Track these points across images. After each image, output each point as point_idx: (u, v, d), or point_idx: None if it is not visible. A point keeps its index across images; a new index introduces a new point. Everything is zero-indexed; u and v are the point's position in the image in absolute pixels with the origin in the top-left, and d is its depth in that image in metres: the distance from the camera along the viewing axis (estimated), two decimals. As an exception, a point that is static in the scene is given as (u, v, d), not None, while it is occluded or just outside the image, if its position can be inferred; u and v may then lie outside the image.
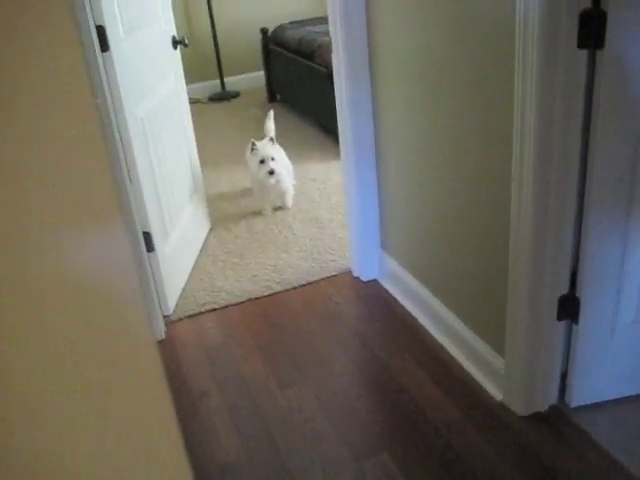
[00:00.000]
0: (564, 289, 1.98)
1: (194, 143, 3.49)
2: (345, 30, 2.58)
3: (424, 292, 2.65)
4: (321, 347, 2.65)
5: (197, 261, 3.33)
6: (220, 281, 3.14)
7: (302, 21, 5.69)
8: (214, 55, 6.12)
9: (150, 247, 2.74)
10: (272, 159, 3.63)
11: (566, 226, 1.88)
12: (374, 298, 2.94)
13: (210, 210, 3.72)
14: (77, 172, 0.75)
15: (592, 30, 1.63)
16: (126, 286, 0.86)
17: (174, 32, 3.20)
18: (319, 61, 4.65)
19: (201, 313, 2.94)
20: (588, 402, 2.15)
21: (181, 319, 2.92)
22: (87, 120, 0.78)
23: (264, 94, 5.90)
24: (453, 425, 2.18)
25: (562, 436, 2.08)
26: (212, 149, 4.75)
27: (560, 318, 2.01)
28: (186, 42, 3.22)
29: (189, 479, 1.04)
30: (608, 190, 1.82)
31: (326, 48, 4.45)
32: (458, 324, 2.44)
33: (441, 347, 2.56)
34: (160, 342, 2.77)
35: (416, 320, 2.73)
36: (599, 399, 2.15)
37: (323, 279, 3.10)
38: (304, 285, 3.07)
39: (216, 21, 6.00)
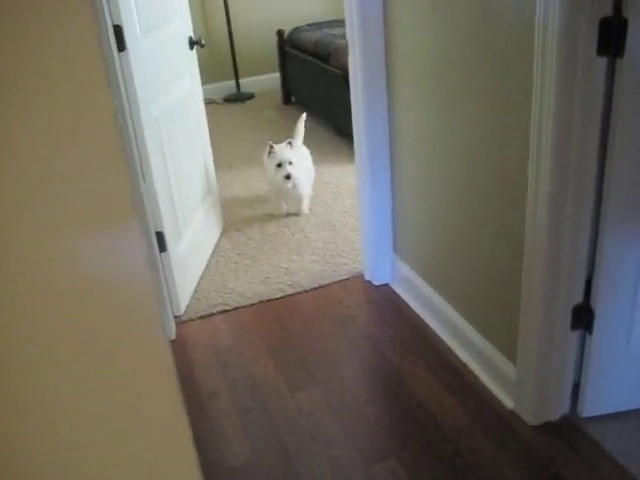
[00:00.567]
0: (578, 298, 1.96)
1: (209, 144, 3.49)
2: (362, 33, 2.57)
3: (436, 297, 2.64)
4: (332, 350, 2.65)
5: (209, 262, 3.34)
6: (232, 282, 3.14)
7: (319, 23, 5.68)
8: (230, 56, 6.13)
9: (163, 247, 2.74)
10: (290, 163, 3.61)
11: (582, 234, 1.86)
12: (385, 302, 2.93)
13: (223, 211, 3.72)
14: (94, 173, 0.74)
15: (612, 37, 1.61)
16: (141, 286, 0.85)
17: (191, 32, 3.21)
18: (335, 64, 4.65)
19: (212, 314, 2.94)
20: (600, 413, 2.13)
21: (192, 320, 2.92)
22: (105, 122, 0.78)
23: (279, 96, 5.90)
24: (463, 432, 2.17)
25: (573, 446, 2.06)
26: (226, 150, 4.75)
27: (574, 328, 1.99)
28: (202, 43, 3.22)
29: (199, 480, 1.04)
30: (625, 199, 1.80)
31: (342, 51, 4.45)
32: (470, 330, 2.43)
33: (452, 353, 2.54)
34: (171, 342, 2.77)
35: (427, 325, 2.72)
36: (612, 410, 2.13)
37: (335, 282, 3.09)
38: (316, 288, 3.06)
39: (232, 22, 6.01)
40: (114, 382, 0.75)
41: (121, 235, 0.82)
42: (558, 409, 2.14)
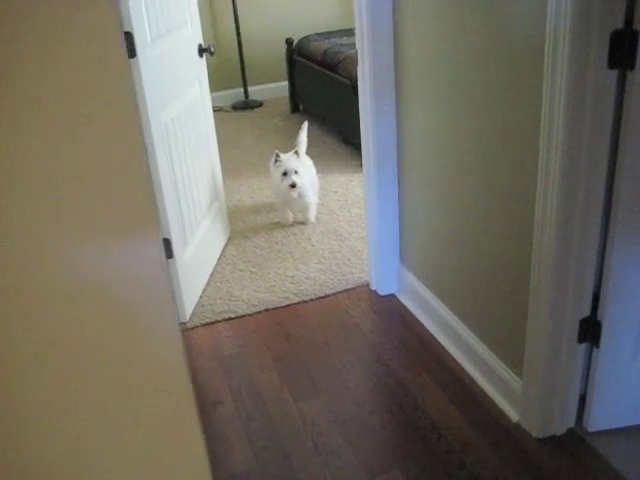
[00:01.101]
0: (586, 312, 1.95)
1: (216, 151, 3.50)
2: (372, 43, 2.58)
3: (442, 308, 2.63)
4: (336, 360, 2.64)
5: (215, 269, 3.33)
6: (237, 290, 3.14)
7: (327, 33, 5.70)
8: (239, 64, 6.15)
9: (169, 254, 2.74)
10: (295, 172, 3.61)
11: (590, 247, 1.85)
12: (391, 312, 2.92)
13: (230, 219, 3.72)
14: (117, 182, 0.75)
15: (623, 50, 1.61)
16: (160, 292, 0.85)
17: (200, 40, 3.22)
18: (343, 73, 4.66)
19: (217, 321, 2.94)
20: (607, 427, 2.11)
21: (197, 327, 2.91)
22: (130, 131, 0.78)
23: (287, 105, 5.92)
24: (467, 444, 2.16)
25: (579, 460, 2.04)
26: (233, 158, 4.76)
27: (581, 341, 1.98)
28: (212, 50, 3.23)
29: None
30: (635, 212, 1.79)
31: (351, 60, 4.46)
32: (476, 342, 2.42)
33: (458, 364, 2.53)
34: (175, 349, 2.76)
35: (433, 336, 2.71)
36: (618, 425, 2.11)
37: (340, 292, 3.09)
38: (321, 297, 3.05)
39: (242, 30, 6.03)
40: (130, 390, 0.75)
41: (142, 241, 0.82)
42: (564, 423, 2.13)
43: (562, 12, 1.61)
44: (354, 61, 2.77)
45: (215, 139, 3.48)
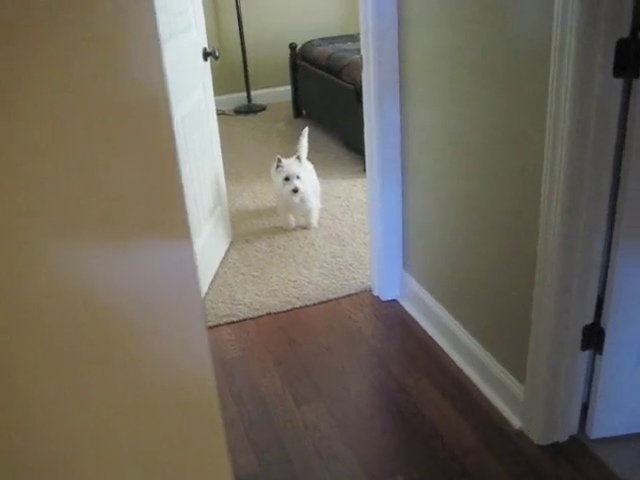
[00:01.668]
0: (589, 318, 1.95)
1: (220, 155, 3.50)
2: (377, 48, 2.58)
3: (444, 314, 2.63)
4: (338, 365, 2.64)
5: (217, 273, 3.34)
6: (240, 294, 3.14)
7: (331, 38, 5.71)
8: (242, 68, 6.16)
9: (172, 257, 2.74)
10: (297, 177, 3.62)
11: (594, 253, 1.85)
12: (393, 318, 2.92)
13: (232, 223, 3.72)
14: (149, 185, 0.75)
15: (629, 59, 1.61)
16: (188, 299, 0.85)
17: (205, 44, 3.22)
18: (347, 78, 4.66)
19: (219, 325, 2.94)
20: (609, 435, 2.11)
21: (199, 330, 2.91)
22: (163, 136, 0.78)
23: (290, 109, 5.92)
24: (469, 451, 2.15)
25: (581, 468, 2.04)
26: (236, 162, 4.76)
27: (584, 348, 1.98)
28: (217, 54, 3.24)
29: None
30: (639, 220, 1.80)
31: (355, 65, 4.46)
32: (478, 348, 2.42)
33: (460, 370, 2.53)
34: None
35: (435, 342, 2.71)
36: (621, 432, 2.11)
37: (343, 297, 3.09)
38: (324, 302, 3.05)
39: (245, 34, 6.04)
40: (157, 398, 0.75)
41: (174, 250, 0.81)
42: (566, 430, 2.13)
43: (568, 20, 1.61)
44: (358, 66, 2.78)
45: (218, 143, 3.48)
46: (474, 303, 2.42)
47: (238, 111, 6.20)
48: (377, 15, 2.53)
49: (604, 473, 2.01)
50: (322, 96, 5.24)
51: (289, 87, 5.90)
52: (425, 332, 2.78)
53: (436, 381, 2.49)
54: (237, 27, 6.01)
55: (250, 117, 6.08)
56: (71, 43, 0.58)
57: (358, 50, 2.75)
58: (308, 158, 3.91)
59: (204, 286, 3.17)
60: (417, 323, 2.84)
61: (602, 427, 2.10)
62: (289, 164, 3.65)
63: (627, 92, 1.67)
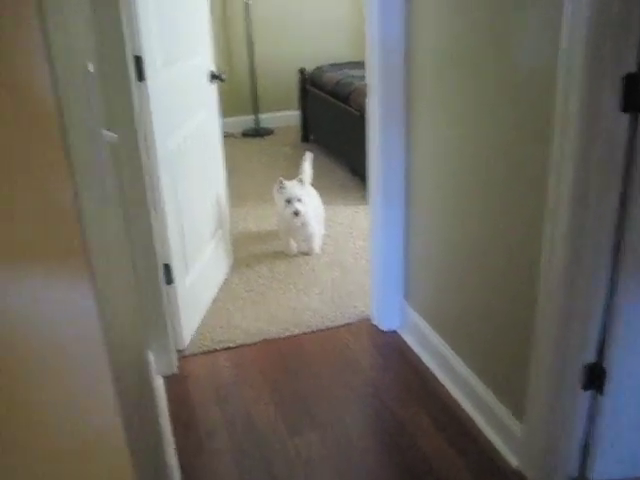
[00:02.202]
0: (591, 357, 1.90)
1: (223, 178, 3.48)
2: (382, 75, 2.56)
3: (444, 347, 2.58)
4: (334, 395, 2.58)
5: (216, 297, 3.29)
6: (238, 319, 3.09)
7: (340, 64, 5.72)
8: (251, 91, 6.17)
9: (169, 279, 2.70)
10: (299, 200, 3.59)
11: (597, 291, 1.81)
12: (392, 349, 2.87)
13: (234, 246, 3.69)
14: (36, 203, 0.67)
15: (637, 94, 1.58)
16: (85, 345, 0.75)
17: (212, 66, 3.21)
18: (353, 104, 4.66)
19: (216, 350, 2.89)
20: (610, 477, 2.05)
21: (195, 354, 2.87)
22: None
23: (298, 133, 5.92)
24: (465, 489, 2.10)
25: (579, 511, 1.98)
26: (240, 185, 4.74)
27: (585, 387, 1.93)
28: (223, 77, 3.23)
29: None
30: (643, 258, 1.75)
31: (361, 92, 4.45)
32: (477, 382, 2.37)
33: (458, 405, 2.48)
34: (172, 377, 2.72)
35: (433, 374, 2.65)
36: (623, 476, 2.05)
37: (342, 325, 3.04)
38: (322, 330, 3.01)
39: (256, 57, 6.06)
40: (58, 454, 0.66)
41: (63, 279, 0.70)
42: (565, 471, 2.06)
43: (574, 54, 1.59)
44: (364, 93, 2.75)
45: (223, 166, 3.46)
46: (474, 337, 2.37)
47: (246, 134, 6.20)
48: (383, 43, 2.51)
49: (603, 518, 1.95)
50: (329, 121, 5.23)
51: (297, 111, 5.91)
52: (423, 364, 2.73)
53: (432, 414, 2.44)
54: (247, 51, 6.03)
55: (257, 140, 6.08)
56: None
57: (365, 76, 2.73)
58: (312, 184, 3.88)
59: (202, 310, 3.13)
60: (415, 354, 2.79)
61: (603, 470, 2.04)
62: (291, 186, 3.62)
63: (634, 127, 1.64)
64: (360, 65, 5.39)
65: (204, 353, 2.88)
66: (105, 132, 0.96)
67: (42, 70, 0.66)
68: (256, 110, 6.24)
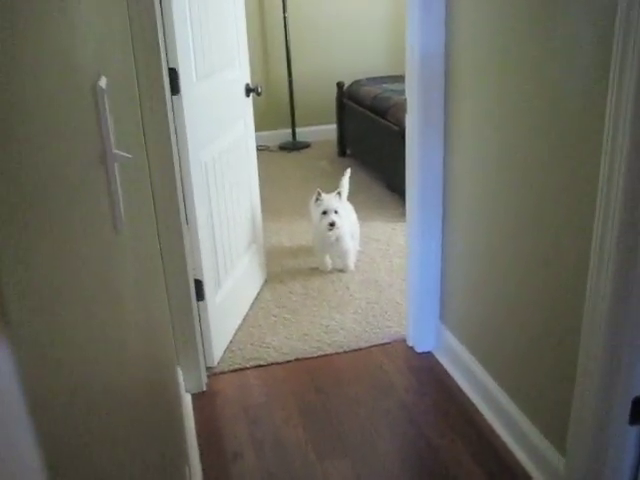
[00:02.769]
0: (639, 391, 1.79)
1: (257, 192, 3.43)
2: (422, 90, 2.50)
3: (481, 372, 2.48)
4: (366, 418, 2.50)
5: (248, 313, 3.24)
6: (269, 337, 3.03)
7: (379, 78, 5.66)
8: (288, 104, 6.14)
9: (200, 296, 2.66)
10: (335, 212, 3.52)
11: (646, 322, 1.71)
12: (427, 371, 2.78)
13: (267, 261, 3.63)
14: None
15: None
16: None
17: (248, 80, 3.18)
18: (392, 119, 4.59)
19: (246, 368, 2.84)
20: (657, 518, 1.93)
21: (225, 372, 2.81)
22: None
23: (335, 148, 5.86)
24: (502, 525, 2.00)
25: None
26: (275, 199, 4.69)
27: (633, 422, 1.82)
28: (259, 91, 3.18)
29: None
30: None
31: (400, 107, 4.38)
32: (516, 412, 2.26)
33: (494, 433, 2.37)
34: (201, 394, 2.67)
35: (470, 400, 2.55)
36: (670, 517, 1.93)
37: (376, 345, 2.96)
38: (355, 350, 2.93)
39: (293, 71, 6.04)
40: None
41: None
42: (609, 509, 1.95)
43: (626, 73, 1.50)
44: (403, 107, 2.69)
45: (257, 179, 3.41)
46: (514, 364, 2.27)
47: (282, 147, 6.17)
48: (423, 56, 2.45)
49: None
50: (367, 136, 5.17)
51: (334, 125, 5.86)
52: (460, 389, 2.63)
53: (469, 443, 2.34)
54: (285, 64, 6.01)
55: (294, 154, 6.04)
56: None
57: (405, 91, 2.66)
58: (349, 199, 3.81)
59: (233, 326, 3.08)
60: (452, 378, 2.70)
61: (649, 509, 1.92)
62: (329, 198, 3.55)
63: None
64: (398, 79, 5.34)
65: (234, 371, 2.82)
66: (117, 152, 0.91)
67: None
68: (293, 124, 6.21)
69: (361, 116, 5.25)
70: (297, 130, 6.24)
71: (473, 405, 2.53)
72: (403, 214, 3.02)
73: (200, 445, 2.38)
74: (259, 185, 3.45)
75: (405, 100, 2.65)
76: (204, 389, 2.69)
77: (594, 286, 1.73)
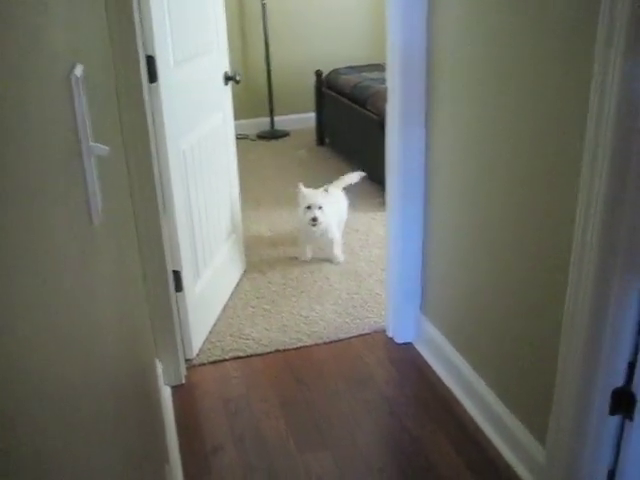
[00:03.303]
0: (619, 382, 1.79)
1: (237, 181, 3.39)
2: (403, 79, 2.47)
3: (462, 363, 2.48)
4: (347, 411, 2.49)
5: (227, 304, 3.21)
6: (248, 328, 3.01)
7: (358, 67, 5.63)
8: (266, 93, 6.09)
9: (179, 287, 2.62)
10: (319, 208, 3.50)
11: (627, 313, 1.70)
12: (407, 362, 2.77)
13: (246, 252, 3.59)
14: None
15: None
16: None
17: (227, 67, 3.13)
18: (372, 108, 4.56)
19: (225, 360, 2.81)
20: (636, 508, 1.94)
21: (204, 364, 2.78)
22: None
23: (313, 137, 5.83)
24: (483, 515, 2.00)
25: (604, 543, 1.87)
26: (254, 188, 4.65)
27: (613, 412, 1.82)
28: (238, 78, 3.14)
29: None
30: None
31: (380, 95, 4.36)
32: (496, 403, 2.27)
33: (475, 424, 2.37)
34: (180, 387, 2.64)
35: (450, 391, 2.55)
36: (649, 506, 1.94)
37: (356, 336, 2.95)
38: (335, 341, 2.91)
39: (272, 59, 5.98)
40: None
41: None
42: (589, 499, 1.96)
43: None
44: (383, 97, 2.67)
45: (236, 168, 3.37)
46: (494, 354, 2.27)
47: (261, 136, 6.12)
48: (404, 45, 2.42)
49: None
50: (346, 125, 5.14)
51: (313, 114, 5.82)
52: (440, 380, 2.62)
53: (450, 434, 2.34)
54: (264, 52, 5.95)
55: (272, 143, 6.00)
56: None
57: (385, 80, 2.64)
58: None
59: (212, 318, 3.04)
60: (432, 370, 2.69)
61: (629, 499, 1.93)
62: (314, 194, 3.52)
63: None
64: (378, 67, 5.32)
65: (213, 363, 2.79)
66: (94, 145, 0.87)
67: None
68: (272, 112, 6.16)
69: (340, 105, 5.21)
70: (276, 119, 6.19)
71: (453, 396, 2.53)
72: (383, 204, 3.01)
73: (180, 438, 2.36)
74: (238, 174, 3.41)
75: (385, 89, 2.63)
76: (183, 381, 2.67)
77: (576, 277, 1.73)
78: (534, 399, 2.06)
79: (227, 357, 2.82)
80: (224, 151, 3.17)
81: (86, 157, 0.85)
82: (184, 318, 2.70)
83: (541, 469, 2.02)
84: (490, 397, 2.30)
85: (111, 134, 1.55)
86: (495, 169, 2.12)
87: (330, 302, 3.21)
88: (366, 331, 2.97)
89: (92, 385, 0.91)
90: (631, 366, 1.78)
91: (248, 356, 2.83)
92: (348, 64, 5.75)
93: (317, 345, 2.89)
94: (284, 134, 6.13)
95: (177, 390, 2.62)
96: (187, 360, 2.76)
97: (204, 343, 2.89)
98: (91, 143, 0.85)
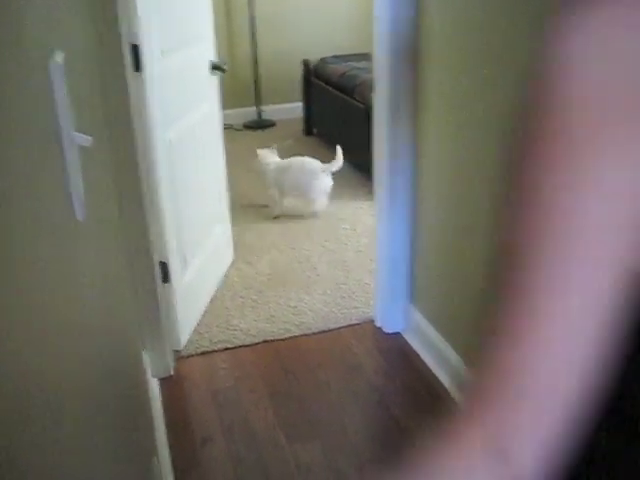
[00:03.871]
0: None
1: (224, 171, 3.37)
2: (390, 68, 2.46)
3: (451, 353, 2.48)
4: (336, 401, 2.49)
5: (215, 295, 3.19)
6: (236, 319, 2.99)
7: (345, 56, 5.59)
8: (253, 82, 6.05)
9: (166, 278, 2.60)
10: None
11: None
12: (396, 352, 2.77)
13: (234, 242, 3.57)
14: None
15: None
16: None
17: (213, 56, 3.10)
18: (359, 98, 4.54)
19: (214, 351, 2.80)
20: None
21: (192, 355, 2.77)
22: None
23: (300, 126, 5.79)
24: (472, 504, 2.00)
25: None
26: (241, 178, 4.62)
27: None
28: (224, 67, 3.11)
29: None
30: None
31: (367, 85, 4.34)
32: (485, 392, 2.26)
33: (464, 414, 2.37)
34: (167, 379, 2.62)
35: (439, 380, 2.55)
36: None
37: (344, 326, 2.94)
38: (324, 331, 2.91)
39: (258, 48, 5.94)
40: None
41: None
42: None
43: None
44: (370, 86, 2.65)
45: (223, 158, 3.35)
46: (483, 343, 2.27)
47: (247, 126, 6.08)
48: (392, 34, 2.41)
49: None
50: (333, 115, 5.12)
51: (300, 104, 5.78)
52: (430, 370, 2.62)
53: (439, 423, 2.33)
54: (250, 41, 5.91)
55: (259, 133, 5.96)
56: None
57: (372, 69, 2.62)
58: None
59: (200, 309, 3.03)
60: (421, 360, 2.69)
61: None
62: (265, 155, 4.24)
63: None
64: (366, 57, 5.28)
65: (201, 354, 2.78)
66: (76, 135, 0.85)
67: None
68: (258, 102, 6.12)
69: (327, 94, 5.19)
70: (262, 108, 6.15)
71: (442, 385, 2.53)
72: (370, 193, 3.00)
73: (168, 431, 2.35)
74: (225, 164, 3.39)
75: (372, 79, 2.61)
76: (171, 373, 2.65)
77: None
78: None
79: (215, 348, 2.81)
80: (211, 141, 3.15)
81: (67, 147, 0.83)
82: (172, 309, 2.68)
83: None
84: (479, 386, 2.30)
85: (95, 124, 1.52)
86: (485, 156, 2.11)
87: (318, 292, 3.20)
88: (354, 321, 2.97)
89: (77, 380, 0.90)
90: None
91: (236, 347, 2.82)
92: (336, 53, 5.72)
93: (306, 335, 2.88)
94: (271, 124, 6.09)
95: (165, 382, 2.61)
96: (175, 352, 2.75)
97: (192, 334, 2.88)
98: (73, 132, 0.83)
